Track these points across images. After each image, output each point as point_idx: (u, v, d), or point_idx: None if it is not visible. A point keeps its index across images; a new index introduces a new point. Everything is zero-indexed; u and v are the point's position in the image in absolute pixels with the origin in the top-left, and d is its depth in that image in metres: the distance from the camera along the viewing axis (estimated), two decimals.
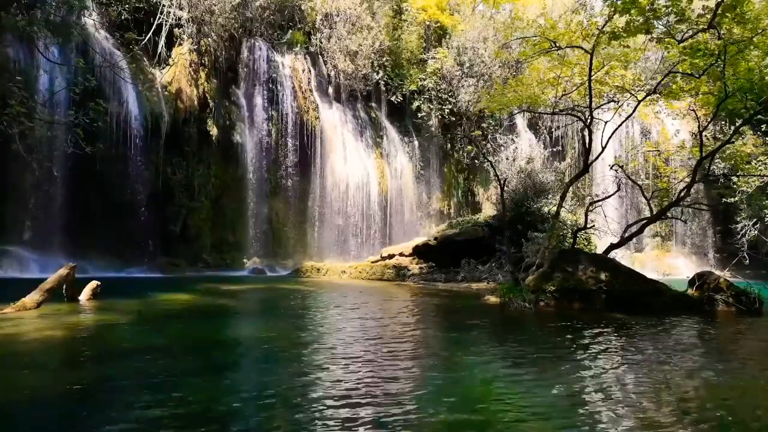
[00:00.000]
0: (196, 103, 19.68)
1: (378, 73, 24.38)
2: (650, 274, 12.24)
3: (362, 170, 23.43)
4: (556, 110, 14.89)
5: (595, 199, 14.86)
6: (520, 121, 27.39)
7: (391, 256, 18.36)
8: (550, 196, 17.28)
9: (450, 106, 25.75)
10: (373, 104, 25.58)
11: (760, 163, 17.27)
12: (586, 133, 13.09)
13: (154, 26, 18.76)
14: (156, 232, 18.11)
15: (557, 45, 12.25)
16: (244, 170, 20.77)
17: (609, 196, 13.93)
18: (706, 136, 14.32)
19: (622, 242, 12.43)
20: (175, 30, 19.62)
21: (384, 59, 24.49)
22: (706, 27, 10.38)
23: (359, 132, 24.19)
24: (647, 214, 13.98)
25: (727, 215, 22.20)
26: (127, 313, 8.25)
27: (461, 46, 25.88)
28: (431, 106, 25.62)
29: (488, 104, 17.37)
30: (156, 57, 19.24)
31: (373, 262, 18.22)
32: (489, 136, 25.41)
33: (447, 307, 10.62)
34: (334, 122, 23.30)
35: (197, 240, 19.70)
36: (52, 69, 15.39)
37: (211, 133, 19.95)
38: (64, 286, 8.68)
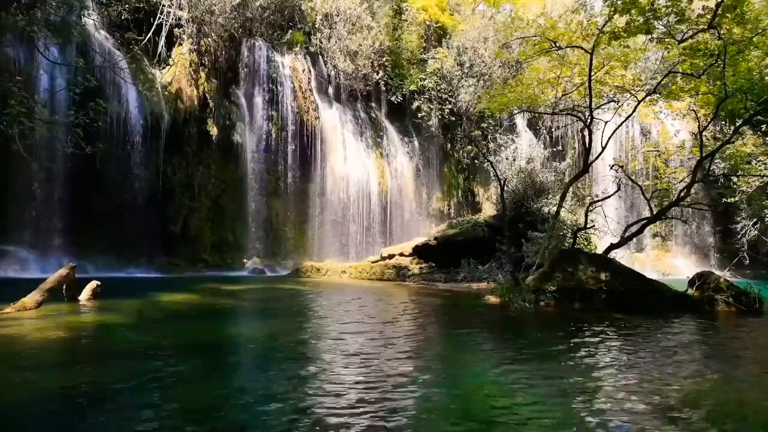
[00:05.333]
0: (196, 103, 19.68)
1: (378, 73, 24.37)
2: (650, 274, 12.23)
3: (362, 170, 23.43)
4: (556, 110, 14.90)
5: (595, 199, 14.86)
6: (520, 121, 27.38)
7: (391, 256, 18.36)
8: (550, 196, 17.28)
9: (450, 106, 25.74)
10: (373, 104, 25.58)
11: (760, 163, 17.26)
12: (586, 133, 13.09)
13: (154, 26, 18.76)
14: (156, 232, 18.10)
15: (557, 45, 12.26)
16: (244, 170, 20.76)
17: (609, 196, 13.93)
18: (706, 136, 14.32)
19: (622, 242, 12.43)
20: (175, 30, 19.62)
21: (384, 59, 24.48)
22: (706, 27, 10.38)
23: (359, 132, 24.18)
24: (647, 214, 13.97)
25: (727, 215, 22.17)
26: (127, 313, 8.24)
27: (461, 46, 25.87)
28: (431, 106, 25.61)
29: (488, 104, 17.38)
30: (156, 57, 19.25)
31: (373, 262, 18.21)
32: (489, 136, 25.42)
33: (447, 307, 10.62)
34: (334, 122, 23.29)
35: (197, 240, 19.70)
36: (52, 69, 15.39)
37: (211, 133, 19.95)
38: (64, 286, 8.68)
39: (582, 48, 12.13)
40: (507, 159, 19.76)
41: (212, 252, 20.04)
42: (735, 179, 18.24)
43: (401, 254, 18.23)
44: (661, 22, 11.05)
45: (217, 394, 4.17)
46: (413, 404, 3.99)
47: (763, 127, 18.38)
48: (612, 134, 12.95)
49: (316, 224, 22.37)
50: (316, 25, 23.75)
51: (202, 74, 20.20)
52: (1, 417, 3.64)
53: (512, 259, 12.58)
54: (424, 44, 26.72)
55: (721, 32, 10.35)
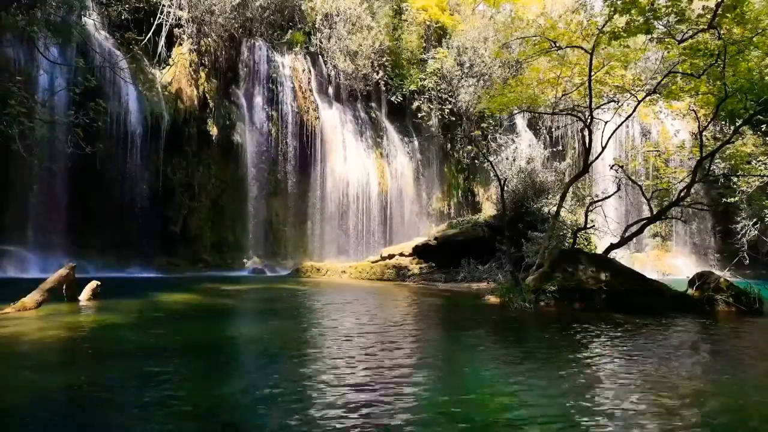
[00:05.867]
0: (196, 103, 19.68)
1: (378, 73, 24.38)
2: (650, 274, 12.24)
3: (362, 170, 23.43)
4: (556, 110, 14.90)
5: (595, 199, 14.85)
6: (520, 121, 27.39)
7: (391, 256, 18.36)
8: (550, 196, 17.27)
9: (450, 106, 25.74)
10: (373, 104, 25.58)
11: (760, 163, 17.26)
12: (586, 133, 13.08)
13: (154, 26, 18.77)
14: (156, 232, 18.09)
15: (557, 45, 12.25)
16: (244, 170, 20.77)
17: (609, 196, 13.93)
18: (706, 136, 14.32)
19: (622, 242, 12.42)
20: (175, 30, 19.62)
21: (384, 59, 24.48)
22: (706, 27, 10.37)
23: (359, 132, 24.19)
24: (647, 214, 13.97)
25: (727, 215, 22.18)
26: (127, 313, 8.24)
27: (461, 46, 25.87)
28: (431, 106, 25.62)
29: (488, 104, 17.37)
30: (156, 57, 19.25)
31: (373, 262, 18.21)
32: (489, 136, 25.42)
33: (447, 308, 10.62)
34: (334, 122, 23.30)
35: (197, 240, 19.70)
36: (52, 69, 15.39)
37: (211, 133, 19.95)
38: (64, 286, 8.67)
39: (582, 48, 12.12)
40: (507, 159, 19.76)
41: (212, 252, 20.04)
42: (735, 179, 18.23)
43: (401, 254, 18.22)
44: (661, 22, 11.05)
45: (217, 394, 4.17)
46: (416, 405, 3.98)
47: (763, 127, 18.38)
48: (612, 134, 12.94)
49: (316, 224, 22.36)
50: (316, 25, 23.75)
51: (202, 74, 20.20)
52: (1, 417, 3.64)
53: (512, 259, 12.57)
54: (424, 44, 26.73)
55: (721, 32, 10.34)
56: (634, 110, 13.29)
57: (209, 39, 20.32)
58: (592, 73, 11.68)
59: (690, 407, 4.11)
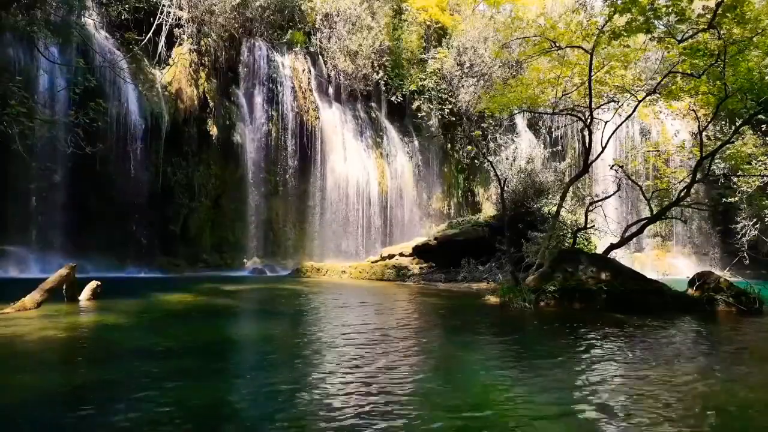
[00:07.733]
0: (196, 103, 19.68)
1: (378, 73, 24.38)
2: (650, 274, 12.23)
3: (362, 170, 23.44)
4: (556, 110, 14.90)
5: (595, 199, 14.86)
6: (520, 121, 27.40)
7: (391, 256, 18.36)
8: (550, 196, 17.28)
9: (450, 106, 25.75)
10: (373, 104, 25.59)
11: (760, 163, 17.27)
12: (586, 133, 13.09)
13: (154, 26, 18.77)
14: (156, 232, 18.11)
15: (557, 45, 12.25)
16: (244, 170, 20.77)
17: (609, 196, 13.93)
18: (706, 135, 14.32)
19: (622, 242, 12.42)
20: (175, 30, 19.63)
21: (384, 59, 24.49)
22: (706, 27, 10.37)
23: (359, 132, 24.21)
24: (647, 214, 13.97)
25: (727, 215, 22.20)
26: (128, 313, 8.24)
27: (461, 46, 25.89)
28: (431, 106, 25.63)
29: (488, 104, 17.37)
30: (156, 57, 19.26)
31: (373, 262, 18.21)
32: (489, 136, 25.44)
33: (447, 308, 10.61)
34: (334, 122, 23.31)
35: (197, 240, 19.71)
36: (52, 69, 15.40)
37: (211, 133, 19.96)
38: (65, 286, 8.67)
39: (582, 48, 12.12)
40: (507, 159, 19.79)
41: (212, 252, 20.05)
42: (735, 179, 18.24)
43: (401, 254, 18.22)
44: (661, 22, 11.05)
45: (218, 395, 4.17)
46: (412, 406, 3.98)
47: (763, 127, 18.39)
48: (612, 134, 12.94)
49: (316, 224, 22.37)
50: (316, 25, 23.76)
51: (202, 74, 20.20)
52: (1, 417, 3.64)
53: (512, 259, 12.56)
54: (424, 44, 26.74)
55: (721, 32, 10.34)
56: (634, 110, 13.29)
57: (209, 39, 20.33)
58: (592, 73, 11.68)
59: (689, 407, 4.11)
